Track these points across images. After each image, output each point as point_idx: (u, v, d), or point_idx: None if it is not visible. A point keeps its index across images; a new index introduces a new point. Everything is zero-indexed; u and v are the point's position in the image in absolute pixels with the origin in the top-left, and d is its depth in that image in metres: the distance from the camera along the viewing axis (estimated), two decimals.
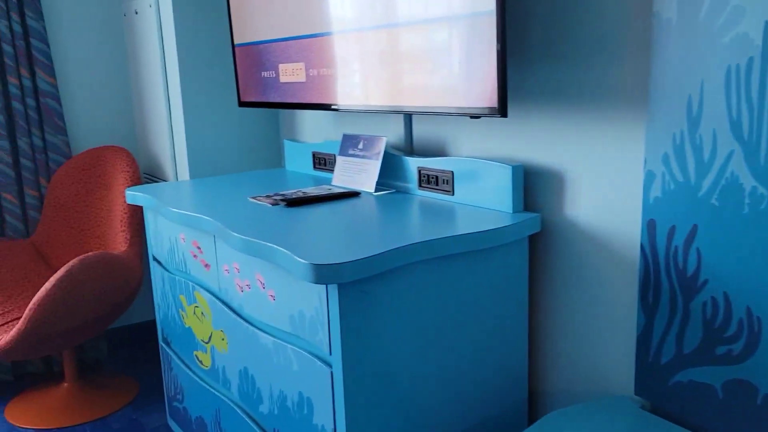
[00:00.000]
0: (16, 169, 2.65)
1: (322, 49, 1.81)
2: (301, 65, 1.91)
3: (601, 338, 1.45)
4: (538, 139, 1.50)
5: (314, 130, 2.37)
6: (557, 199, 1.48)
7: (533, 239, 1.56)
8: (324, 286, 1.22)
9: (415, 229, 1.36)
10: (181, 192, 1.95)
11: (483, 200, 1.56)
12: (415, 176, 1.75)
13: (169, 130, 2.51)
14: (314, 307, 1.27)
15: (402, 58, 1.57)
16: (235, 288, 1.56)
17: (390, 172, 1.83)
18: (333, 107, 1.83)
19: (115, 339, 3.02)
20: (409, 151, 1.88)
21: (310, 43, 1.85)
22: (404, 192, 1.79)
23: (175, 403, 2.10)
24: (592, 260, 1.43)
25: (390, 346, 1.28)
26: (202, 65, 2.37)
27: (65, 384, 2.56)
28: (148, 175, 2.82)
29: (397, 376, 1.31)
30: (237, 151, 2.49)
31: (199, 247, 1.72)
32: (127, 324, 3.05)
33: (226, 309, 1.62)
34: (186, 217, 1.65)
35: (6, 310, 2.36)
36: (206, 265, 1.70)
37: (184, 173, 2.45)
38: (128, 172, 2.56)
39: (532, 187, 1.54)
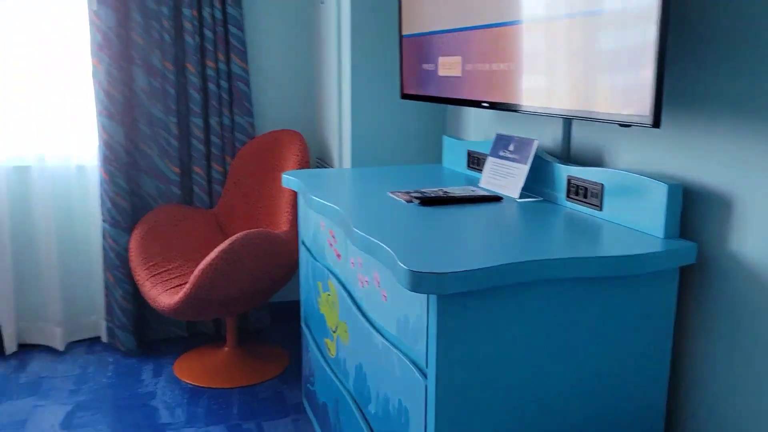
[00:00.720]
0: (206, 146, 2.90)
1: (478, 43, 1.71)
2: (458, 59, 1.82)
3: (761, 397, 1.19)
4: (705, 156, 1.27)
5: (476, 128, 2.28)
6: (720, 227, 1.24)
7: (686, 271, 1.33)
8: (425, 294, 1.14)
9: (544, 243, 1.23)
10: (329, 180, 1.98)
11: (632, 220, 1.36)
12: (563, 185, 1.59)
13: (338, 118, 2.57)
14: (416, 315, 1.20)
15: (555, 56, 1.42)
16: (357, 282, 1.54)
17: (540, 177, 1.69)
18: (483, 104, 1.72)
19: (279, 312, 3.20)
20: (565, 157, 1.71)
21: (466, 36, 1.76)
22: (550, 201, 1.64)
23: (308, 385, 2.16)
24: (759, 305, 1.18)
25: (494, 368, 1.17)
26: (373, 56, 2.38)
27: (226, 348, 2.76)
28: (321, 160, 2.93)
29: (497, 401, 1.19)
30: (399, 143, 2.48)
31: (333, 236, 1.73)
32: (293, 300, 3.21)
33: (349, 302, 1.60)
34: (321, 205, 1.66)
35: (182, 272, 2.59)
36: (338, 255, 1.70)
37: (347, 161, 2.49)
38: (298, 155, 2.67)
39: (692, 210, 1.31)
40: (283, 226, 2.58)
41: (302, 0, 2.98)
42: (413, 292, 1.20)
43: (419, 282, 1.07)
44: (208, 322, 3.02)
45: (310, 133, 3.09)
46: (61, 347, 2.85)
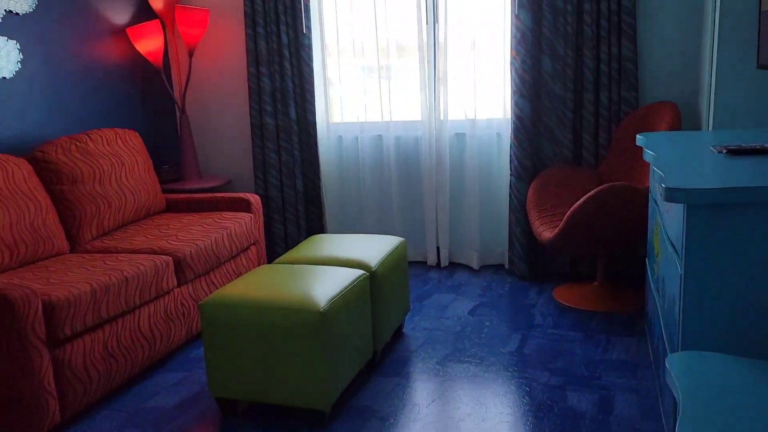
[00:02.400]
0: (595, 117, 3.50)
1: None
2: None
3: None
4: None
5: None
6: None
7: None
8: (683, 205, 1.60)
9: None
10: (670, 139, 2.40)
11: None
12: None
13: (708, 88, 2.88)
14: (679, 224, 1.66)
15: None
16: (666, 210, 2.01)
17: None
18: None
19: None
20: None
21: None
22: None
23: (647, 308, 2.63)
24: None
25: (728, 266, 1.56)
26: (737, 30, 2.64)
27: (596, 283, 3.35)
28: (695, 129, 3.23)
29: (730, 293, 1.57)
30: (758, 107, 2.67)
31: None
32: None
33: (662, 227, 2.07)
34: (648, 155, 2.15)
35: (563, 215, 3.28)
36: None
37: (710, 126, 2.80)
38: (669, 122, 3.06)
39: None
40: (646, 182, 3.03)
41: None
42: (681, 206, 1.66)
43: (671, 195, 1.55)
44: (585, 262, 3.64)
45: (690, 105, 3.39)
46: (476, 267, 3.87)
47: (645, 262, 2.74)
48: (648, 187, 2.97)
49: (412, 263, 4.06)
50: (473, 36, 3.70)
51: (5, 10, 3.07)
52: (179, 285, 2.86)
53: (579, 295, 3.33)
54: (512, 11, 3.50)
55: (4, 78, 3.08)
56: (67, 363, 2.25)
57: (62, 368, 2.24)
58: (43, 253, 2.75)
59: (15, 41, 3.12)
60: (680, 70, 3.42)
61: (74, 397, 2.29)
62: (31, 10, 3.21)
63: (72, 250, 2.96)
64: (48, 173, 2.93)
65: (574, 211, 2.93)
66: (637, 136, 2.57)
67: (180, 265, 2.84)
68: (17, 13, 3.14)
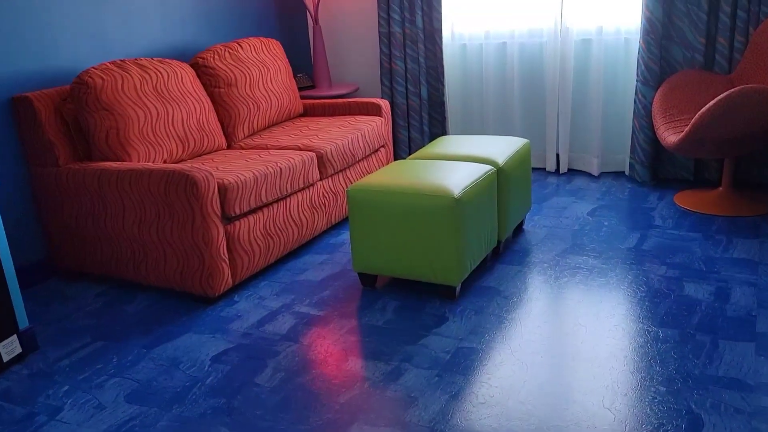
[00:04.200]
0: (732, 19, 3.40)
1: None
2: None
3: None
4: None
5: None
6: None
7: None
8: None
9: None
10: None
11: None
12: None
13: None
14: None
15: None
16: None
17: None
18: None
19: None
20: None
21: None
22: None
23: None
24: None
25: None
26: None
27: (720, 189, 3.37)
28: None
29: None
30: None
31: None
32: None
33: None
34: None
35: (690, 120, 3.29)
36: None
37: None
38: None
39: None
40: None
41: None
42: None
43: None
44: (712, 169, 3.64)
45: None
46: (596, 173, 3.95)
47: None
48: None
49: (532, 170, 4.20)
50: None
51: None
52: (321, 179, 3.19)
53: (702, 200, 3.37)
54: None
55: None
56: (236, 237, 2.65)
57: (233, 241, 2.64)
58: (207, 148, 3.15)
59: None
60: None
61: (242, 266, 2.70)
62: None
63: (228, 147, 3.35)
64: (207, 77, 3.30)
65: (702, 115, 2.95)
66: None
67: (322, 161, 3.16)
68: None
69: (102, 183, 2.67)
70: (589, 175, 3.99)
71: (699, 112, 2.97)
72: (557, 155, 4.09)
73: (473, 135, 3.42)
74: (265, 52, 3.63)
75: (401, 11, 4.12)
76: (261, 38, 3.68)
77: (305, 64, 4.52)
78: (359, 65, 4.52)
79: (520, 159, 3.01)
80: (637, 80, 3.64)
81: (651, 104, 3.61)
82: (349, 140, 3.35)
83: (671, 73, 3.62)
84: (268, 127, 3.61)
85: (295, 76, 4.30)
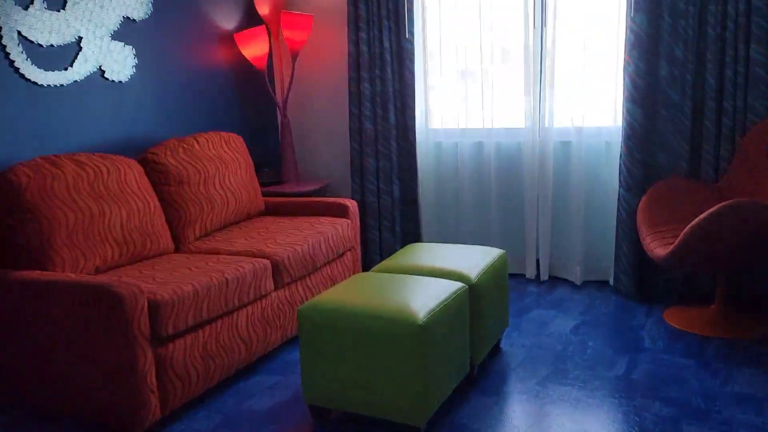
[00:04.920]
0: (717, 126, 3.24)
1: None
2: None
3: None
4: None
5: None
6: None
7: None
8: None
9: None
10: None
11: None
12: None
13: None
14: None
15: None
16: None
17: None
18: None
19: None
20: None
21: None
22: None
23: None
24: None
25: None
26: None
27: (713, 306, 3.09)
28: None
29: None
30: None
31: None
32: None
33: None
34: None
35: (678, 232, 3.05)
36: None
37: None
38: None
39: None
40: None
41: None
42: None
43: None
44: (702, 281, 3.37)
45: None
46: (578, 282, 3.67)
47: None
48: None
49: (509, 276, 3.91)
50: (583, 40, 3.52)
51: (123, 17, 3.21)
52: (276, 288, 2.87)
53: (694, 318, 3.08)
54: (627, 14, 3.30)
55: (120, 82, 3.21)
56: (168, 361, 2.30)
57: (164, 366, 2.28)
58: (149, 252, 2.84)
59: (131, 47, 3.25)
60: None
61: (174, 395, 2.33)
62: (147, 16, 3.33)
63: (176, 250, 3.04)
64: (157, 174, 3.03)
65: (692, 229, 2.71)
66: None
67: (278, 269, 2.85)
68: (134, 20, 3.27)
69: (14, 295, 2.33)
70: (572, 284, 3.71)
71: (688, 226, 2.73)
72: (537, 261, 3.82)
73: (445, 243, 3.16)
74: (225, 147, 3.39)
75: (373, 107, 3.94)
76: (221, 132, 3.45)
77: (273, 159, 4.29)
78: (329, 161, 4.30)
79: (496, 272, 2.72)
80: (620, 186, 3.44)
81: (635, 211, 3.38)
82: (310, 245, 3.06)
83: (656, 179, 3.42)
84: (224, 227, 3.32)
85: (260, 171, 4.06)
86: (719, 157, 3.26)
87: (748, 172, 3.13)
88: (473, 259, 2.71)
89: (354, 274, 3.48)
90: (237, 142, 3.49)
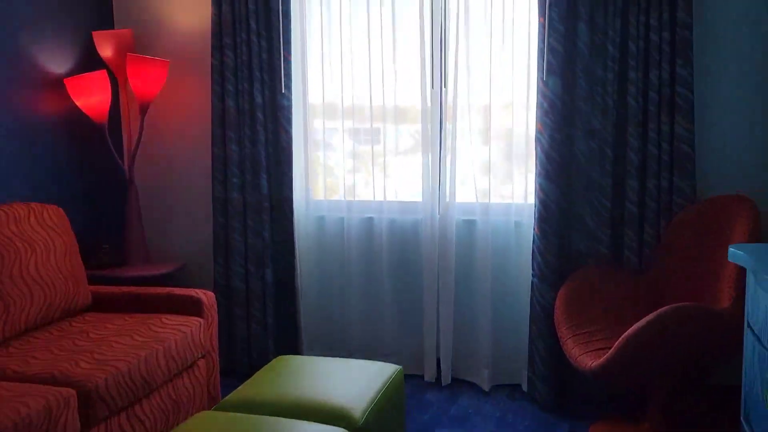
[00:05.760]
0: (640, 208, 2.81)
1: None
2: None
3: None
4: None
5: None
6: None
7: None
8: None
9: None
10: None
11: None
12: None
13: None
14: None
15: None
16: None
17: None
18: None
19: (714, 396, 2.85)
20: None
21: None
22: None
23: None
24: None
25: None
26: None
27: (646, 424, 2.58)
28: None
29: None
30: None
31: None
32: (733, 384, 2.84)
33: None
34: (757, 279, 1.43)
35: (606, 336, 2.54)
36: None
37: None
38: (748, 225, 2.37)
39: None
40: (724, 302, 2.31)
41: (765, 55, 2.68)
42: None
43: None
44: (631, 390, 2.87)
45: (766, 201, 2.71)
46: (486, 388, 3.08)
47: (741, 421, 1.97)
48: (732, 309, 2.23)
49: (406, 377, 3.26)
50: (487, 103, 3.03)
51: None
52: (85, 427, 2.05)
53: None
54: (539, 77, 2.85)
55: None
56: None
57: None
58: None
59: None
60: (752, 155, 2.77)
61: None
62: None
63: None
64: None
65: (629, 339, 2.19)
66: (731, 249, 1.87)
67: (88, 400, 2.04)
68: None
69: None
70: (479, 389, 3.10)
71: (624, 336, 2.22)
72: (438, 360, 3.20)
73: (326, 357, 2.49)
74: (34, 223, 2.56)
75: (242, 173, 3.24)
76: (31, 204, 2.62)
77: (115, 234, 3.44)
78: (187, 237, 3.52)
79: (389, 401, 2.06)
80: (533, 275, 2.92)
81: (552, 305, 2.86)
82: (143, 360, 2.26)
83: (574, 266, 2.92)
84: (27, 332, 2.45)
85: (98, 249, 3.22)
86: (643, 243, 2.83)
87: (679, 262, 2.69)
88: (360, 384, 2.05)
89: (208, 389, 2.69)
90: (54, 216, 2.66)
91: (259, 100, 3.17)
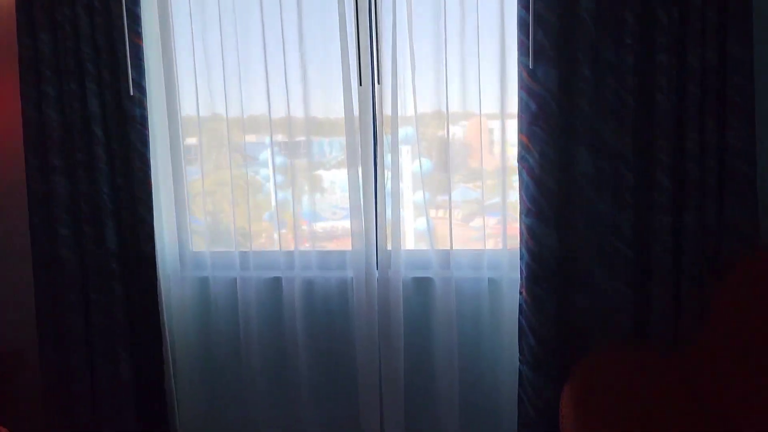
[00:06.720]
0: (674, 256, 1.89)
1: None
2: None
3: None
4: None
5: None
6: None
7: None
8: None
9: None
10: None
11: None
12: None
13: None
14: None
15: None
16: None
17: None
18: None
19: None
20: None
21: None
22: None
23: None
24: None
25: None
26: None
27: None
28: None
29: None
30: None
31: None
32: None
33: None
34: None
35: None
36: None
37: None
38: None
39: None
40: None
41: None
42: None
43: None
44: None
45: None
46: None
47: None
48: None
49: None
50: (443, 108, 2.05)
51: None
52: None
53: None
54: (522, 65, 1.89)
55: None
56: None
57: None
58: None
59: None
60: None
61: None
62: None
63: None
64: None
65: None
66: None
67: None
68: None
69: None
70: None
71: None
72: None
73: None
74: None
75: (75, 221, 2.14)
76: None
77: None
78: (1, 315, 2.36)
79: None
80: (521, 361, 1.97)
81: (552, 408, 1.90)
82: None
83: (582, 348, 1.98)
84: None
85: None
86: (679, 307, 1.92)
87: (735, 333, 1.80)
88: None
89: None
90: None
91: (95, 107, 2.07)
